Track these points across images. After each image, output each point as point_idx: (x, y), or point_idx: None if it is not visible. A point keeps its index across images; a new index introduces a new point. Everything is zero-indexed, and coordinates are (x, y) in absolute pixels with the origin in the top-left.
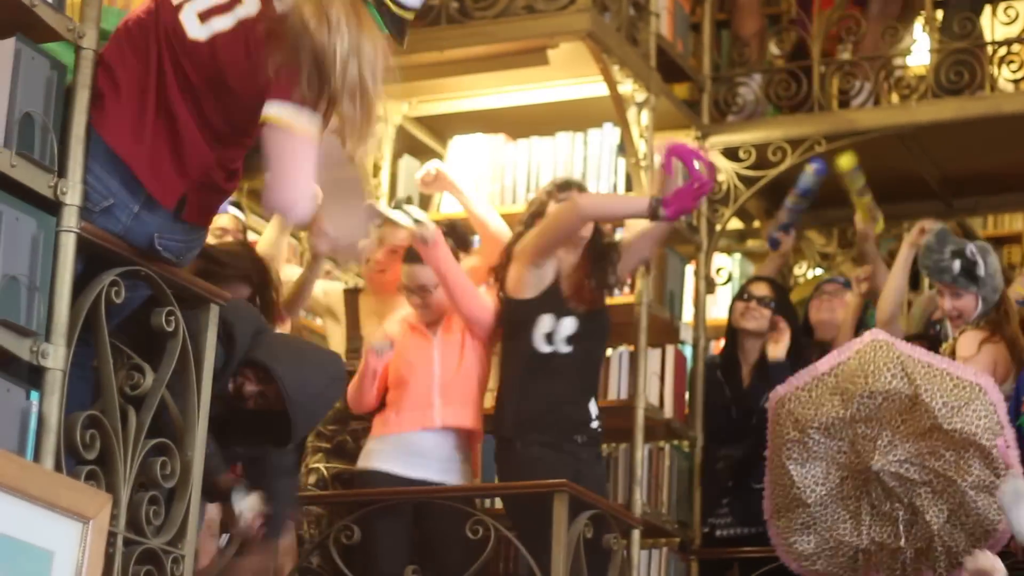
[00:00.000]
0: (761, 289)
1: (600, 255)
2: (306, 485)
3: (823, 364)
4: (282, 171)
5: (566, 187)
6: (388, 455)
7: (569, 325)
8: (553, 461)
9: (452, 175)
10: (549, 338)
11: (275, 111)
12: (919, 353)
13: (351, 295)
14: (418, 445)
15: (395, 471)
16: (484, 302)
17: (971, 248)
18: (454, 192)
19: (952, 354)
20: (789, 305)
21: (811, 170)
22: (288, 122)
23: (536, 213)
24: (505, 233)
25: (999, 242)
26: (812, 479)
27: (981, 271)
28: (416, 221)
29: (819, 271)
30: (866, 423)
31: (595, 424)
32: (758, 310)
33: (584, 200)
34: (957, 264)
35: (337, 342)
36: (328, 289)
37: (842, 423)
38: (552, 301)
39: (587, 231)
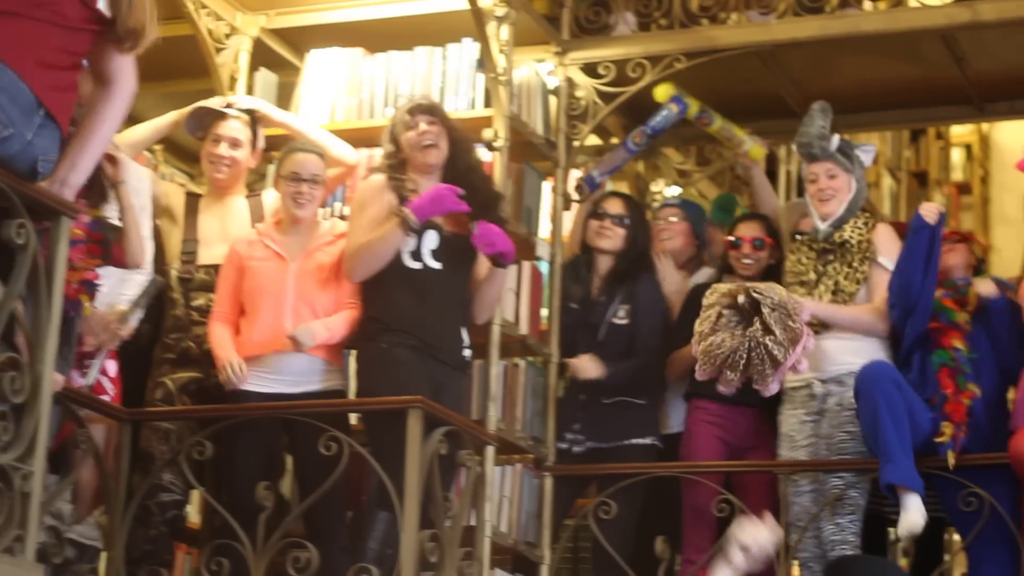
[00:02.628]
0: (616, 207)
1: (462, 180)
2: (152, 400)
3: None
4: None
5: (426, 111)
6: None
7: (432, 239)
8: (417, 367)
9: (275, 115)
10: (415, 255)
11: None
12: None
13: (191, 198)
14: (274, 363)
15: (252, 389)
16: None
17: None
18: (284, 128)
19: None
20: (644, 222)
21: (674, 110)
22: None
23: (393, 137)
24: (346, 153)
25: None
26: None
27: (857, 155)
28: (246, 110)
29: (676, 189)
30: None
31: (467, 353)
32: (612, 229)
33: (352, 257)
34: (837, 139)
35: (174, 243)
36: (168, 191)
37: None
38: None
39: (437, 158)
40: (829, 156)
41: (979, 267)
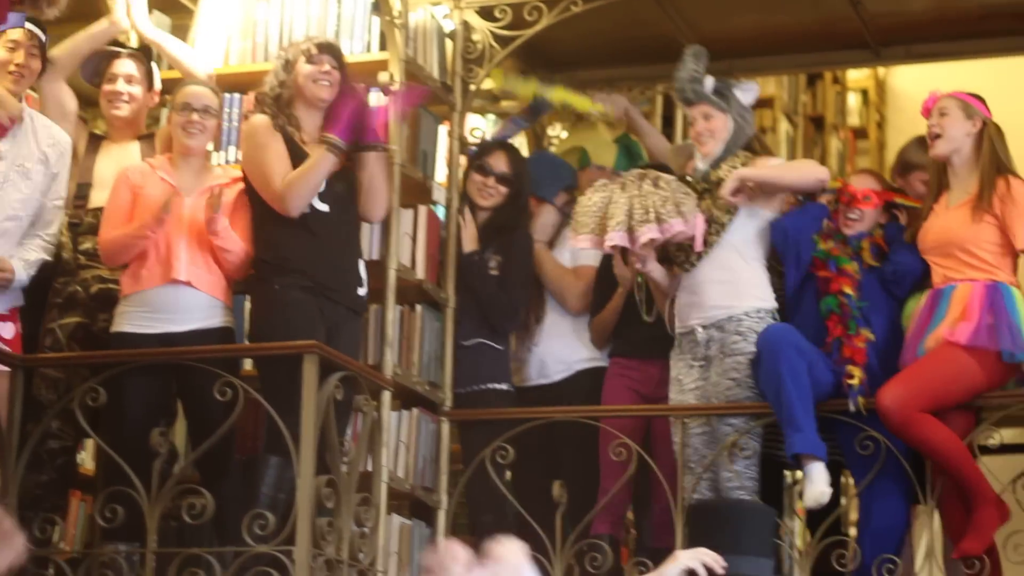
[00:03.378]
0: (500, 163)
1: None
2: (42, 348)
3: None
4: None
5: (332, 53)
6: (133, 315)
7: None
8: (311, 308)
9: (144, 29)
10: None
11: None
12: None
13: (93, 139)
14: (162, 300)
15: (140, 330)
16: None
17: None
18: (149, 42)
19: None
20: (526, 175)
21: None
22: None
23: (287, 69)
24: (195, 65)
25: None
26: None
27: (735, 94)
28: (138, 49)
29: None
30: None
31: (361, 292)
32: (495, 187)
33: (288, 191)
34: (711, 80)
35: (71, 186)
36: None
37: None
38: (293, 160)
39: (330, 95)
40: (703, 98)
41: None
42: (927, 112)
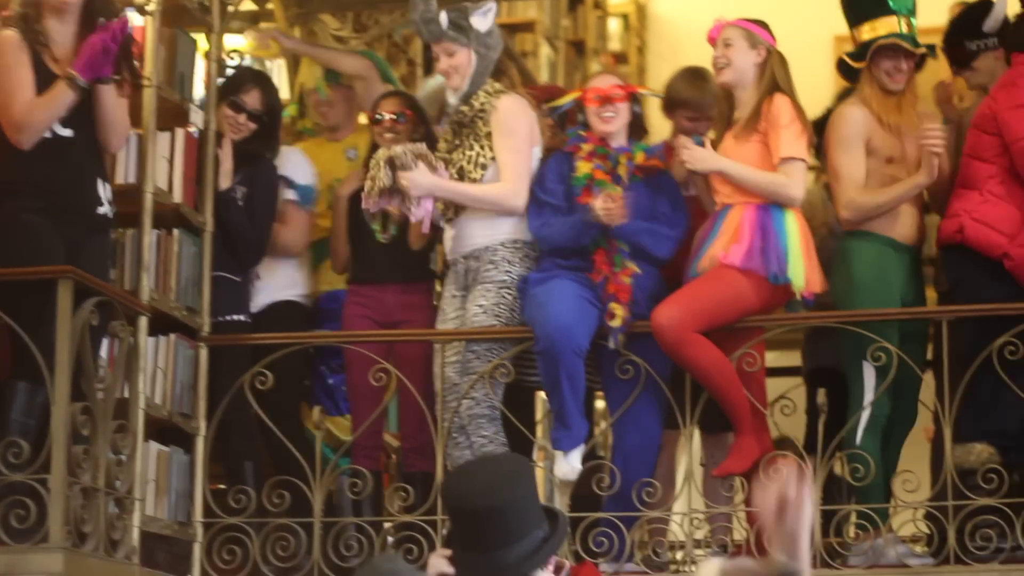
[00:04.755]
0: (253, 100)
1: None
2: None
3: None
4: None
5: None
6: None
7: None
8: (47, 231)
9: None
10: None
11: None
12: None
13: None
14: None
15: None
16: None
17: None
18: None
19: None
20: (278, 114)
21: None
22: None
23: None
24: None
25: (512, 29)
26: None
27: (473, 23)
28: None
29: None
30: None
31: (104, 208)
32: (246, 124)
33: (23, 124)
34: (444, 16)
35: None
36: None
37: None
38: (39, 81)
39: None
40: (441, 36)
41: (639, 123)
42: (712, 41)
